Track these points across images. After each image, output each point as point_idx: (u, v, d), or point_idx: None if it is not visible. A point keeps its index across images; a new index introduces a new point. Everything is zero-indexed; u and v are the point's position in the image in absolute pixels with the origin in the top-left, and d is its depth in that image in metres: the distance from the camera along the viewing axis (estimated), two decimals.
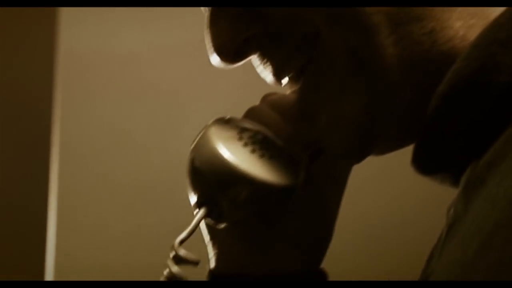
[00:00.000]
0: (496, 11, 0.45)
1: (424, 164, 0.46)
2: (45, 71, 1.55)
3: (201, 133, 0.54)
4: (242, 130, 0.54)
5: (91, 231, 1.52)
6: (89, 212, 1.52)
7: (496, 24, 0.43)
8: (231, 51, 0.50)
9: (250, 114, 0.56)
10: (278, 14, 0.48)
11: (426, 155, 0.46)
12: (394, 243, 1.53)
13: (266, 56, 0.51)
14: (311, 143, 0.55)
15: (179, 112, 1.57)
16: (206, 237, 0.57)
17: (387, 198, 1.55)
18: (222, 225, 0.54)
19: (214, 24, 0.50)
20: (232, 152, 0.52)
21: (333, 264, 0.58)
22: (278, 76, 0.51)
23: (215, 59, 0.50)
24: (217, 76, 1.39)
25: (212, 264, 0.57)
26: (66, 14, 1.56)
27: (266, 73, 0.51)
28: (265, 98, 0.57)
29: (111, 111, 1.57)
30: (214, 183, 0.52)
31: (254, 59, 0.51)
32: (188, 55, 1.54)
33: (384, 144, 0.49)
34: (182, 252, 0.52)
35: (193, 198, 0.53)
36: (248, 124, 0.54)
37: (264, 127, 0.54)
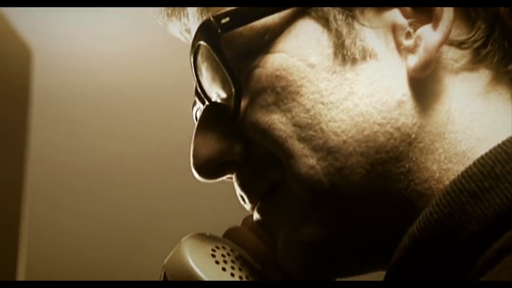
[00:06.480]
0: (472, 158, 0.46)
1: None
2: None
3: (176, 247, 0.54)
4: (216, 248, 0.54)
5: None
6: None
7: (467, 175, 0.44)
8: (210, 170, 0.52)
9: (229, 234, 0.56)
10: (261, 146, 0.50)
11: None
12: None
13: (241, 180, 0.53)
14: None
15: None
16: None
17: None
18: None
19: (200, 137, 0.52)
20: (201, 268, 0.52)
21: None
22: (253, 203, 0.53)
23: (195, 172, 0.52)
24: None
25: None
26: None
27: (243, 202, 0.54)
28: (245, 220, 0.57)
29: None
30: None
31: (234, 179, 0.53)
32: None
33: (346, 267, 0.52)
34: None
35: None
36: (223, 243, 0.55)
37: (240, 248, 0.55)
